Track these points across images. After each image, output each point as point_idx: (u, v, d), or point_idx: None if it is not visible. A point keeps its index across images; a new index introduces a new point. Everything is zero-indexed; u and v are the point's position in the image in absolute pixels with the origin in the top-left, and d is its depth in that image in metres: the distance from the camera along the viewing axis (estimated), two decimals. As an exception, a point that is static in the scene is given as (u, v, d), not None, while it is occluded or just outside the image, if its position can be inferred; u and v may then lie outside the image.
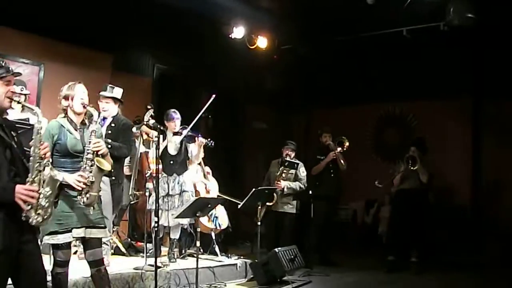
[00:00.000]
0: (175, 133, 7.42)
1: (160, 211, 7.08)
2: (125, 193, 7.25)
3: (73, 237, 4.59)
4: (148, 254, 6.85)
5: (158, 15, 8.83)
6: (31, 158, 3.70)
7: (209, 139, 7.43)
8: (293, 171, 8.78)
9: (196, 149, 7.50)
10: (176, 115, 7.45)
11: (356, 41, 10.14)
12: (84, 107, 4.74)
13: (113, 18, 8.50)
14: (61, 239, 4.51)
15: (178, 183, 7.39)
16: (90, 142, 4.58)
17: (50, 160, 3.99)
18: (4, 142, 3.68)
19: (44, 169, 3.75)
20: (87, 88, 4.87)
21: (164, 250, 7.59)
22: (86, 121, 4.84)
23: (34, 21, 7.93)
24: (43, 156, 3.75)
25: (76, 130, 4.72)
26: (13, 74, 3.82)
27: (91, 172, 4.52)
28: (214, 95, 7.58)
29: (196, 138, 7.38)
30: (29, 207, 3.61)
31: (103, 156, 4.65)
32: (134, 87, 9.14)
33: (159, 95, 10.16)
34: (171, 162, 7.41)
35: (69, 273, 4.73)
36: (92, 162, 4.54)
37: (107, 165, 4.61)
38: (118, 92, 6.91)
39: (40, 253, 3.97)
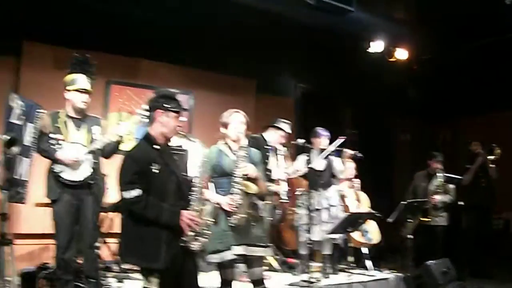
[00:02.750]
0: (322, 150, 7.55)
1: (308, 226, 7.32)
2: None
3: (234, 255, 4.73)
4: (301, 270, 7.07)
5: (296, 36, 9.04)
6: (194, 188, 4.03)
7: (356, 152, 7.53)
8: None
9: (341, 164, 7.63)
10: (324, 132, 7.58)
11: (497, 43, 9.82)
12: (238, 136, 4.97)
13: (253, 44, 8.76)
14: (223, 257, 4.71)
15: (324, 198, 7.47)
16: (237, 166, 4.80)
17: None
18: (170, 168, 4.06)
19: (206, 200, 4.08)
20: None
21: (316, 265, 7.64)
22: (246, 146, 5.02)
23: (182, 54, 8.48)
24: (205, 187, 4.08)
25: (233, 153, 4.92)
26: (183, 110, 4.22)
27: (239, 195, 4.75)
28: (342, 139, 7.45)
29: (344, 152, 7.51)
30: (191, 233, 3.93)
31: (254, 179, 4.86)
32: (277, 108, 9.42)
33: (301, 114, 10.38)
34: (317, 178, 7.46)
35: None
36: (239, 185, 4.75)
37: (254, 188, 4.82)
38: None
39: (197, 272, 4.30)
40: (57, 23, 7.42)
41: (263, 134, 7.31)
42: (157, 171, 3.95)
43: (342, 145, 7.47)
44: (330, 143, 7.50)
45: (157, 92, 4.30)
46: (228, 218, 4.70)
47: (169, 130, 4.12)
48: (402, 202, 7.73)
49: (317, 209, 7.36)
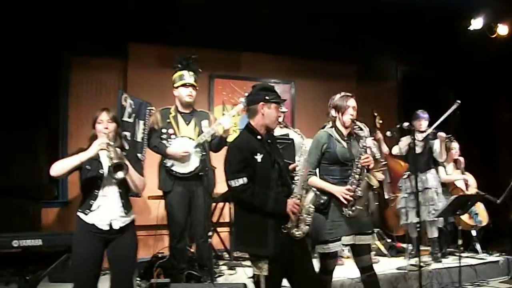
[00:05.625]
0: (420, 132, 7.48)
1: (405, 210, 7.26)
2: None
3: (343, 244, 4.67)
4: (409, 254, 7.05)
5: (394, 17, 8.89)
6: (296, 177, 4.11)
7: (449, 135, 7.39)
8: None
9: (439, 146, 7.50)
10: (424, 114, 7.52)
11: None
12: (352, 122, 4.80)
13: (352, 29, 8.71)
14: (331, 248, 4.62)
15: (420, 180, 7.27)
16: (359, 157, 4.67)
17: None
18: (272, 157, 4.17)
19: (308, 188, 4.15)
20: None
21: (425, 249, 7.58)
22: (356, 132, 4.89)
23: (282, 44, 8.53)
24: (305, 175, 4.14)
25: (343, 140, 4.78)
26: (283, 101, 4.37)
27: (358, 186, 4.63)
28: (458, 102, 7.42)
29: (438, 134, 7.41)
30: (294, 220, 4.02)
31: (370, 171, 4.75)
32: (380, 93, 9.38)
33: (404, 97, 10.27)
34: (416, 160, 7.23)
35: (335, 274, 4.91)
36: (360, 176, 4.65)
37: (375, 181, 4.71)
38: None
39: (309, 255, 4.38)
40: (159, 23, 7.70)
41: None
42: (260, 160, 4.08)
43: (441, 127, 7.38)
44: (430, 125, 7.45)
45: (256, 86, 4.44)
46: (345, 208, 4.61)
47: (271, 121, 4.24)
48: (512, 183, 7.54)
49: (412, 192, 7.25)
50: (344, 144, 4.78)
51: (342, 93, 4.91)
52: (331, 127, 4.89)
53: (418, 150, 7.45)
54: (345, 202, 4.59)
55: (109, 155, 4.19)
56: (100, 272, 4.36)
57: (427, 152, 7.57)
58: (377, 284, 4.90)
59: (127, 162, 4.27)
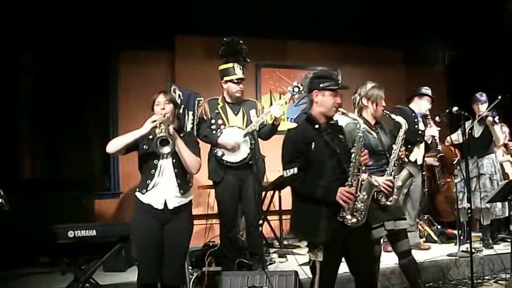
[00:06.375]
0: (479, 116, 7.30)
1: (459, 194, 7.16)
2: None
3: (386, 229, 4.70)
4: (460, 241, 6.94)
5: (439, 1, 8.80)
6: (351, 163, 4.07)
7: (494, 118, 7.23)
8: None
9: (500, 131, 7.33)
10: (482, 97, 7.33)
11: None
12: (383, 112, 4.92)
13: (398, 14, 8.61)
14: (374, 234, 4.63)
15: (475, 166, 7.27)
16: (396, 149, 4.76)
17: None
18: (331, 146, 4.12)
19: (361, 175, 4.14)
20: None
21: (476, 235, 7.44)
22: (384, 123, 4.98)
23: (328, 31, 8.52)
24: (362, 163, 4.11)
25: (372, 131, 4.85)
26: (342, 87, 4.27)
27: (396, 177, 4.70)
28: (499, 97, 7.14)
29: (487, 118, 7.24)
30: (347, 208, 4.01)
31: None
32: (427, 79, 9.22)
33: (452, 82, 10.13)
34: (473, 145, 7.20)
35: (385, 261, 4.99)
36: (396, 167, 4.71)
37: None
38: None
39: (368, 243, 4.35)
40: (204, 14, 7.78)
41: (410, 105, 7.18)
42: (314, 149, 4.05)
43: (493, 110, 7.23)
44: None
45: (313, 74, 4.43)
46: (383, 199, 4.65)
47: (327, 108, 4.17)
48: None
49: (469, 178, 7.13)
50: (375, 134, 4.85)
51: (372, 83, 4.96)
52: (359, 116, 4.84)
53: (477, 134, 7.38)
54: (387, 192, 4.62)
55: (159, 131, 4.24)
56: (162, 255, 4.42)
57: (486, 136, 7.41)
58: (418, 267, 5.01)
59: (179, 140, 4.35)
